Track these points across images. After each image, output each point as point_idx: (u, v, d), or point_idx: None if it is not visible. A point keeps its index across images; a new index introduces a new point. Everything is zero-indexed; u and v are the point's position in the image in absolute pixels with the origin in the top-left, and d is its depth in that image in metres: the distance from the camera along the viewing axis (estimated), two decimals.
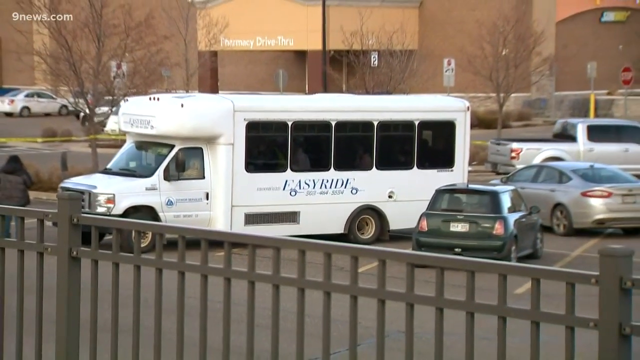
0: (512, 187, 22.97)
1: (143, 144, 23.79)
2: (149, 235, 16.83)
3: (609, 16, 64.58)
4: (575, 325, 4.12)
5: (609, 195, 24.75)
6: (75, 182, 23.71)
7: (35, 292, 5.55)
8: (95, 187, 22.66)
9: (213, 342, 5.05)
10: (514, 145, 33.70)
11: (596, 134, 33.77)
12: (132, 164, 23.82)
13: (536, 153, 32.54)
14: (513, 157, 32.67)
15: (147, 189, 22.49)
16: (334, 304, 4.74)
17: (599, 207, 24.73)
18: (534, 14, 57.53)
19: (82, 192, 21.85)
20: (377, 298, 4.61)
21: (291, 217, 23.10)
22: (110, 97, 31.97)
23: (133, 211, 21.93)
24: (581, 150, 32.73)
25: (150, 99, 24.94)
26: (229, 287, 5.01)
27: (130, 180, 22.91)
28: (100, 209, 21.89)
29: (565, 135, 34.56)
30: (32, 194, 24.58)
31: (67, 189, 21.98)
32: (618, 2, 64.68)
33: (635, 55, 52.77)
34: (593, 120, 39.46)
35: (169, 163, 22.67)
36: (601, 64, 53.84)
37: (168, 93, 31.71)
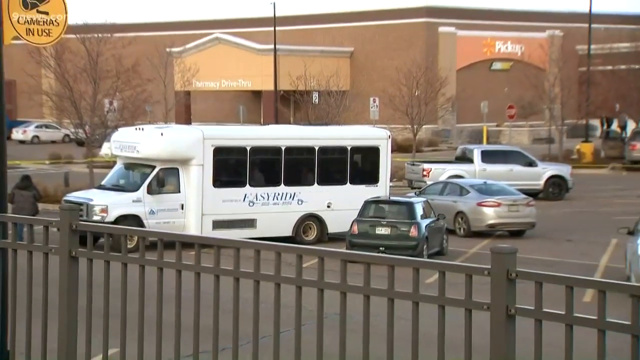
0: (423, 199, 23.05)
1: (130, 165, 23.57)
2: (135, 238, 16.63)
3: (497, 65, 65.50)
4: (472, 308, 4.14)
5: (499, 205, 24.95)
6: (76, 195, 23.47)
7: (41, 284, 5.47)
8: (91, 199, 22.41)
9: (186, 323, 5.00)
10: (425, 165, 33.90)
11: (488, 157, 34.05)
12: (122, 181, 23.56)
13: (442, 172, 32.72)
14: (424, 175, 32.82)
15: (133, 201, 22.28)
16: (283, 292, 4.72)
17: (490, 214, 24.90)
18: (439, 64, 58.14)
19: (81, 204, 21.62)
20: (317, 288, 4.60)
21: (250, 223, 22.98)
22: (104, 128, 31.75)
23: (122, 219, 21.67)
24: (477, 170, 32.96)
25: (136, 129, 24.78)
26: (199, 280, 4.98)
27: (120, 194, 22.65)
28: (96, 217, 21.62)
29: (465, 158, 34.77)
30: (41, 206, 24.18)
31: (69, 202, 21.68)
32: (503, 55, 65.63)
33: (517, 95, 53.46)
34: (485, 146, 39.80)
35: (151, 180, 22.49)
36: (491, 103, 54.54)
37: (150, 124, 31.45)
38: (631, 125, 50.94)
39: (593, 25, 49.91)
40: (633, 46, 55.01)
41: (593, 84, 49.54)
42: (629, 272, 17.32)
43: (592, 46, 50.62)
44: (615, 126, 54.58)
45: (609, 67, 53.26)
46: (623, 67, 52.53)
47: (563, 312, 3.85)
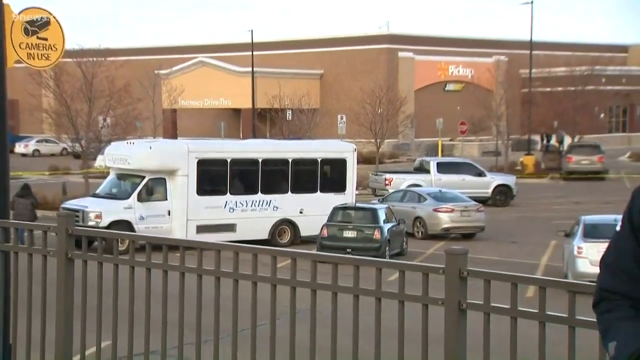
0: (386, 205, 23.11)
1: (122, 176, 23.37)
2: (126, 241, 16.49)
3: (450, 87, 65.91)
4: (428, 303, 4.14)
5: (452, 211, 25.07)
6: (73, 203, 23.23)
7: (40, 284, 5.40)
8: (87, 207, 22.19)
9: (172, 318, 4.96)
10: (387, 175, 33.97)
11: (443, 168, 34.20)
12: (114, 190, 23.36)
13: (402, 181, 32.80)
14: (386, 184, 32.88)
15: (125, 208, 22.10)
16: (259, 290, 4.70)
17: (445, 219, 25.00)
18: (399, 85, 58.42)
19: (77, 211, 21.40)
20: (290, 286, 4.59)
21: (230, 227, 22.88)
22: (98, 142, 31.53)
23: (115, 224, 21.47)
24: (433, 180, 33.07)
25: (127, 143, 24.65)
26: (184, 279, 4.94)
27: (113, 202, 22.45)
28: (91, 223, 21.42)
29: (422, 169, 34.89)
30: (41, 213, 23.94)
31: (66, 209, 21.47)
32: (456, 78, 66.10)
33: (468, 113, 53.82)
34: (441, 159, 39.94)
35: (141, 189, 22.33)
36: (445, 120, 54.82)
37: (140, 139, 31.24)
38: (567, 140, 51.50)
39: (534, 52, 50.44)
40: (568, 70, 55.69)
41: (534, 104, 50.05)
42: (566, 270, 17.47)
43: (533, 70, 51.15)
44: (553, 141, 55.15)
45: (548, 89, 53.87)
46: (560, 89, 53.15)
47: (508, 306, 3.86)
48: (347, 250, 19.56)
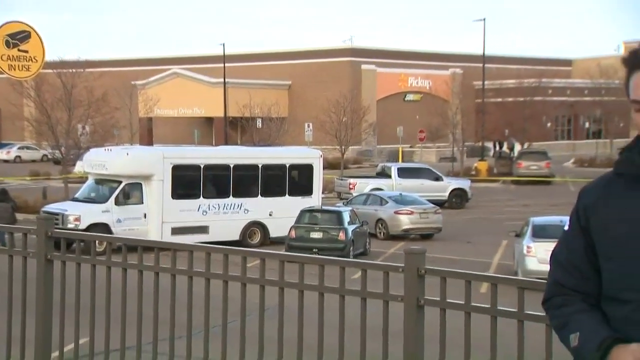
0: (350, 208, 23.11)
1: (100, 181, 23.10)
2: (104, 243, 16.28)
3: (410, 97, 66.34)
4: (389, 299, 4.15)
5: (412, 213, 25.16)
6: (53, 207, 22.90)
7: (21, 283, 5.31)
8: (66, 210, 21.89)
9: (147, 315, 4.91)
10: (351, 180, 33.98)
11: (403, 173, 34.31)
12: (93, 194, 23.07)
13: (365, 185, 32.82)
14: (351, 188, 32.87)
15: (103, 211, 21.85)
16: (230, 288, 4.68)
17: (405, 220, 25.07)
18: (362, 95, 58.66)
19: (57, 214, 21.11)
20: (259, 285, 4.57)
21: (203, 229, 22.72)
22: (77, 149, 31.16)
23: (93, 227, 21.21)
24: (394, 184, 33.13)
25: (105, 149, 24.38)
26: (158, 278, 4.90)
27: (91, 205, 22.18)
28: (70, 225, 21.12)
29: (384, 174, 34.92)
30: (22, 216, 23.58)
31: (47, 212, 21.14)
32: (415, 89, 66.56)
33: (427, 122, 54.19)
34: (401, 164, 40.09)
35: (118, 193, 22.09)
36: (406, 128, 55.14)
37: (118, 146, 30.92)
38: (517, 147, 52.12)
39: (486, 65, 50.99)
40: (518, 82, 56.46)
41: (487, 113, 50.59)
42: (516, 268, 17.65)
43: (486, 82, 51.69)
44: (505, 147, 55.77)
45: (499, 100, 54.54)
46: (510, 99, 53.84)
47: (463, 302, 3.89)
48: (314, 250, 19.46)
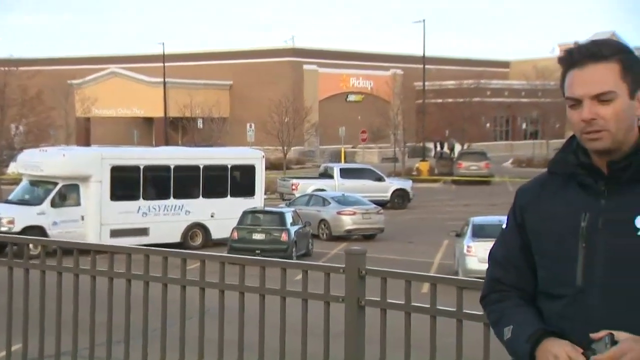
0: (292, 209, 23.10)
1: (35, 182, 22.53)
2: (39, 246, 15.88)
3: (352, 97, 66.74)
4: (330, 300, 4.16)
5: (354, 213, 25.30)
6: None
7: None
8: None
9: (83, 320, 4.80)
10: (294, 181, 33.98)
11: (346, 173, 34.46)
12: (27, 196, 22.48)
13: (308, 186, 32.83)
14: (293, 189, 32.85)
15: (38, 213, 21.32)
16: (169, 291, 4.61)
17: (348, 221, 25.19)
18: (305, 95, 58.75)
19: None
20: (199, 287, 4.53)
21: (143, 231, 22.40)
22: (11, 150, 30.30)
23: (28, 230, 20.67)
24: (336, 184, 33.24)
25: (40, 150, 23.81)
26: (94, 282, 4.80)
27: (25, 208, 21.60)
28: (3, 228, 20.54)
29: (327, 175, 35.00)
30: None
31: None
32: (357, 89, 66.98)
33: (368, 122, 54.63)
34: (344, 165, 40.27)
35: (54, 195, 21.60)
36: (348, 128, 55.46)
37: (54, 147, 30.20)
38: (458, 147, 53.00)
39: (427, 66, 51.72)
40: (457, 84, 57.41)
41: (428, 114, 51.32)
42: (457, 267, 17.93)
43: (426, 83, 52.45)
44: (446, 148, 56.64)
45: (440, 100, 55.39)
46: (450, 100, 54.73)
47: (403, 302, 3.92)
48: (257, 251, 19.39)
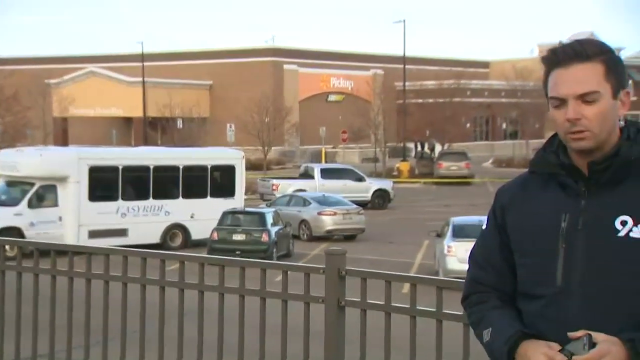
0: (273, 209, 23.06)
1: (12, 182, 22.30)
2: (15, 247, 15.71)
3: (332, 97, 66.77)
4: (310, 301, 4.16)
5: (335, 214, 25.31)
6: None
7: None
8: None
9: (60, 322, 4.76)
10: (274, 181, 33.91)
11: (326, 174, 34.44)
12: (3, 197, 22.25)
13: (288, 186, 32.77)
14: (274, 189, 32.76)
15: (15, 214, 21.10)
16: (148, 292, 4.58)
17: (328, 221, 25.19)
18: (285, 96, 58.70)
19: None
20: (178, 288, 4.50)
21: (122, 232, 22.26)
22: None
23: (5, 231, 20.44)
24: (317, 185, 33.21)
25: (17, 150, 23.59)
26: (72, 283, 4.76)
27: (2, 209, 21.37)
28: None
29: (307, 175, 34.99)
30: None
31: None
32: (337, 89, 67.02)
33: (349, 123, 54.69)
34: (324, 165, 40.23)
35: (31, 196, 21.39)
36: (328, 128, 55.48)
37: (31, 147, 29.91)
38: (438, 148, 53.25)
39: (407, 66, 51.88)
40: (437, 84, 57.65)
41: (408, 114, 51.49)
42: (437, 267, 18.01)
43: (407, 83, 52.61)
44: (426, 148, 56.87)
45: (420, 101, 55.57)
46: (431, 100, 54.93)
47: (383, 303, 3.93)
48: (237, 252, 19.26)
